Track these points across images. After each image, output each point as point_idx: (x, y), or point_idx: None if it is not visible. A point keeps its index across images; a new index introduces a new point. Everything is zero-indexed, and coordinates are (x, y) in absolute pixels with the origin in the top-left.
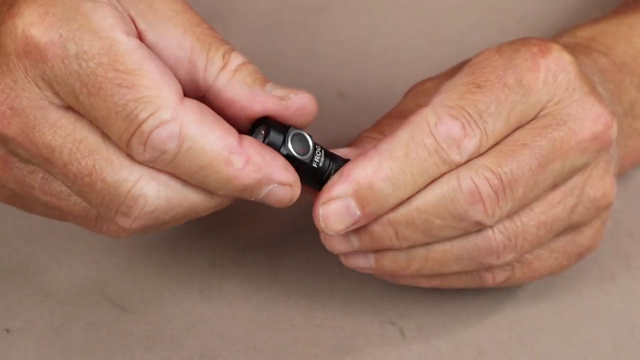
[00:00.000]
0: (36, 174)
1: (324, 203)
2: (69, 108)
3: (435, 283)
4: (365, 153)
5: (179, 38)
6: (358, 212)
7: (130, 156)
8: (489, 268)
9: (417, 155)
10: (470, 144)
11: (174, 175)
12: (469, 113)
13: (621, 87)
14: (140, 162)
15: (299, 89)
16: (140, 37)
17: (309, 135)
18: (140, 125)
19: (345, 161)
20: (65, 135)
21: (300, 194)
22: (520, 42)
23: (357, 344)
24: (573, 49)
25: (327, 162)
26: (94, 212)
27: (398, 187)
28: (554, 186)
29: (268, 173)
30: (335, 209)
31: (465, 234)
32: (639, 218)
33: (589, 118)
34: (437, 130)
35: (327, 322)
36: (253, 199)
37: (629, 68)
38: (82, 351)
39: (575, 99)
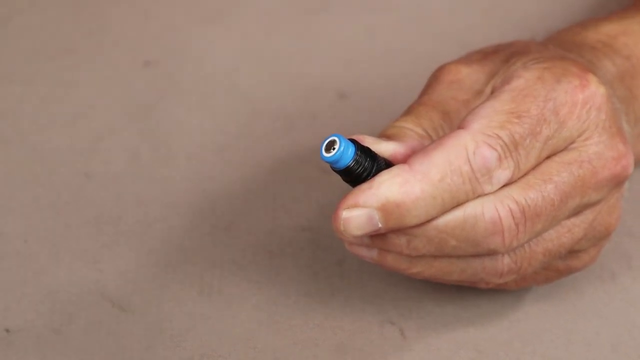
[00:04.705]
0: None
1: (348, 207)
2: None
3: (429, 280)
4: (399, 167)
5: None
6: (380, 225)
7: None
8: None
9: (451, 181)
10: (503, 175)
11: None
12: (506, 144)
13: (636, 94)
14: None
15: None
16: None
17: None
18: None
19: (385, 164)
20: None
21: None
22: (561, 70)
23: (357, 344)
24: (600, 50)
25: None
26: None
27: (425, 210)
28: (567, 217)
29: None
30: (358, 216)
31: (476, 255)
32: (639, 218)
33: (611, 159)
34: (475, 159)
35: (327, 322)
36: None
37: None
38: (82, 351)
39: (602, 139)
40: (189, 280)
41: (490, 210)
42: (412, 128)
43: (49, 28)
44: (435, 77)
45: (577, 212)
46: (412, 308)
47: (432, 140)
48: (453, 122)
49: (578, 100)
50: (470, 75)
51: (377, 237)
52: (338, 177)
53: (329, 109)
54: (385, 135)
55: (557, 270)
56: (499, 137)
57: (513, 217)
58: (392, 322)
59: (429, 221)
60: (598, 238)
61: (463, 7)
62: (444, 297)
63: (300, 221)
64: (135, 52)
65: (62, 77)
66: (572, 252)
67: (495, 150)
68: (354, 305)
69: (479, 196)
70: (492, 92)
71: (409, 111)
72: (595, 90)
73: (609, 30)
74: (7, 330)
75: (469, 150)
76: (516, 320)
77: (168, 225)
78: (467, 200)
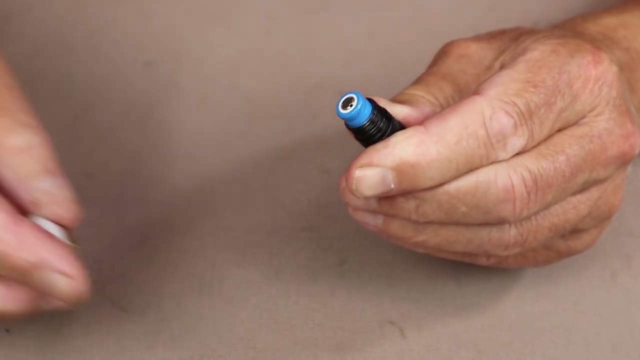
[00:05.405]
0: None
1: (361, 166)
2: None
3: (430, 252)
4: (415, 128)
5: None
6: (393, 185)
7: None
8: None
9: (467, 144)
10: (517, 143)
11: None
12: (522, 112)
13: (635, 87)
14: None
15: (67, 200)
16: None
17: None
18: None
19: (400, 126)
20: None
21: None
22: (574, 46)
23: (357, 344)
24: (601, 42)
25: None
26: None
27: (440, 172)
28: (573, 193)
29: (43, 257)
30: (371, 175)
31: (484, 224)
32: (639, 218)
33: (620, 136)
34: (491, 124)
35: (327, 322)
36: (34, 287)
37: None
38: (82, 351)
39: (612, 116)
40: (189, 280)
41: (504, 177)
42: (423, 95)
43: (49, 28)
44: (443, 51)
45: (584, 188)
46: (412, 308)
47: (442, 107)
48: (463, 94)
49: (591, 76)
50: (479, 51)
51: (385, 201)
52: (338, 177)
53: (329, 109)
54: (397, 101)
55: (557, 250)
56: (515, 105)
57: (525, 186)
58: (392, 322)
59: (440, 185)
60: (601, 218)
61: (463, 7)
62: (444, 297)
63: (300, 221)
64: (135, 52)
65: (62, 77)
66: (575, 231)
67: (512, 117)
68: (354, 305)
69: (492, 163)
70: (502, 67)
71: (419, 80)
72: (608, 67)
73: (608, 22)
74: (7, 330)
75: (485, 115)
76: (516, 320)
77: (168, 225)
78: (480, 166)
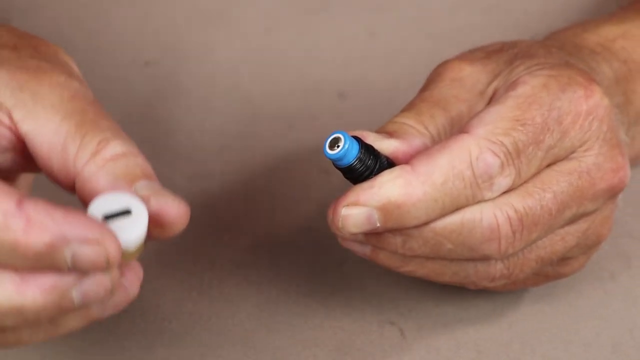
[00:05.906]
0: None
1: (348, 205)
2: None
3: (421, 278)
4: (402, 168)
5: (56, 125)
6: (378, 224)
7: None
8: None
9: (453, 185)
10: (504, 182)
11: None
12: (509, 152)
13: (631, 98)
14: None
15: (173, 196)
16: (15, 127)
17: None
18: None
19: (388, 163)
20: None
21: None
22: (566, 79)
23: (357, 344)
24: (599, 54)
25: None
26: None
27: (425, 212)
28: (561, 226)
29: (58, 231)
30: (357, 214)
31: (470, 259)
32: (639, 218)
33: (610, 171)
34: (478, 164)
35: (327, 322)
36: (67, 269)
37: None
38: (82, 351)
39: (602, 151)
40: (189, 280)
41: (489, 217)
42: (413, 125)
43: (49, 28)
44: (437, 74)
45: (571, 221)
46: (412, 308)
47: (432, 138)
48: (454, 120)
49: (582, 111)
50: (473, 75)
51: (372, 235)
52: (338, 178)
53: (329, 109)
54: (386, 131)
55: (546, 275)
56: (503, 144)
57: (511, 225)
58: (392, 322)
59: (426, 223)
60: (589, 247)
61: (463, 7)
62: (444, 297)
63: (300, 221)
64: (135, 52)
65: None
66: (563, 259)
67: (498, 157)
68: (354, 305)
69: (478, 202)
70: (494, 94)
71: (410, 107)
72: (599, 102)
73: (608, 33)
74: None
75: (472, 155)
76: (516, 321)
77: None
78: (466, 205)
